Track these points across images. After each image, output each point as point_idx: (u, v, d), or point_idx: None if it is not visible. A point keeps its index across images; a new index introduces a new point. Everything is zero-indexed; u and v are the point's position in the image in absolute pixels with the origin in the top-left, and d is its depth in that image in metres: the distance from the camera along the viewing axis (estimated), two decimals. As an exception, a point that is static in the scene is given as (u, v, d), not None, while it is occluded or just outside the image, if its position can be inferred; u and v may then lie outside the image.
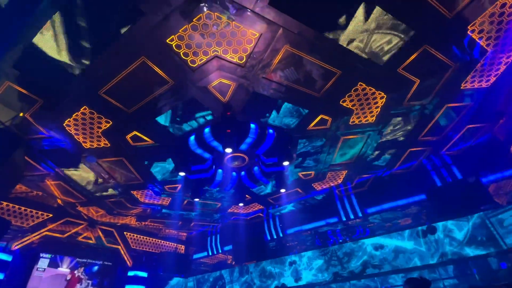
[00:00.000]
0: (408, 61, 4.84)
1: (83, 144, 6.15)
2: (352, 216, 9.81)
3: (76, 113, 5.33)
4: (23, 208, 8.83)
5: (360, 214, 9.67)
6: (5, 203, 8.38)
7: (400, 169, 8.80)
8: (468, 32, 4.53)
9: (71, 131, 5.74)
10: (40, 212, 9.27)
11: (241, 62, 4.61)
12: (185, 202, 9.73)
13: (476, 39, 4.68)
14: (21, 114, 5.16)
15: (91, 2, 3.57)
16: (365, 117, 6.16)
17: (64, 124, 5.55)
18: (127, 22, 3.82)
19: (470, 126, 7.06)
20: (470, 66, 5.22)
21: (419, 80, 5.29)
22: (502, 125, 7.01)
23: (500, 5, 4.17)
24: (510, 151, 7.38)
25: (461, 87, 5.72)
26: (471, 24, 4.41)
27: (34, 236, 9.52)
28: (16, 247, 9.29)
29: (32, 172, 7.12)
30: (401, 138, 7.13)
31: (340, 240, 11.37)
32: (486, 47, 4.85)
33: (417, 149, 7.77)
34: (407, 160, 8.29)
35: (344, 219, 9.97)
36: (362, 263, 10.71)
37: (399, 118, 6.37)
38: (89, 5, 3.59)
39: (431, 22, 4.23)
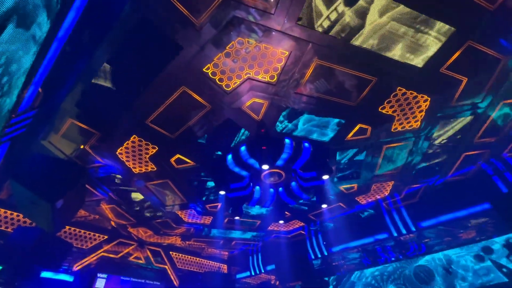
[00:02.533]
0: (452, 59, 4.52)
1: (133, 169, 6.71)
2: (404, 231, 8.99)
3: (127, 141, 5.88)
4: (82, 231, 9.75)
5: (413, 229, 8.82)
6: (67, 227, 9.35)
7: (455, 176, 7.96)
8: (518, 21, 4.13)
9: (123, 158, 6.32)
10: (97, 234, 10.12)
11: (272, 80, 4.74)
12: (226, 220, 9.87)
13: (529, 28, 4.23)
14: (81, 146, 5.85)
15: (136, 49, 4.03)
16: (409, 122, 5.79)
17: (117, 153, 6.15)
18: (168, 57, 4.22)
19: (536, 122, 6.21)
20: (526, 56, 4.69)
21: (466, 78, 4.88)
22: None
23: (555, -13, 3.76)
24: None
25: (518, 81, 5.13)
26: (520, 12, 4.02)
27: (92, 257, 10.35)
28: (77, 268, 10.15)
29: (90, 197, 7.90)
30: (454, 142, 6.52)
31: (393, 258, 10.41)
32: (541, 35, 4.35)
33: (473, 152, 7.01)
34: (463, 165, 7.49)
35: (395, 234, 9.17)
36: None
37: (448, 120, 5.86)
38: (134, 51, 4.06)
39: (472, 17, 3.96)
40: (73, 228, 9.56)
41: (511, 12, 3.95)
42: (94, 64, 4.25)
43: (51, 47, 3.68)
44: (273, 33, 4.00)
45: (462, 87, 5.03)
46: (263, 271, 12.45)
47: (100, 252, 10.48)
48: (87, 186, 7.35)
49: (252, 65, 4.46)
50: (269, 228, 10.98)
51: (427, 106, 5.43)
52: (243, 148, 6.21)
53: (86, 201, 8.02)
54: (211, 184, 7.60)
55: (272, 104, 5.19)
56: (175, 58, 4.19)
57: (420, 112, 5.56)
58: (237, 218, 8.65)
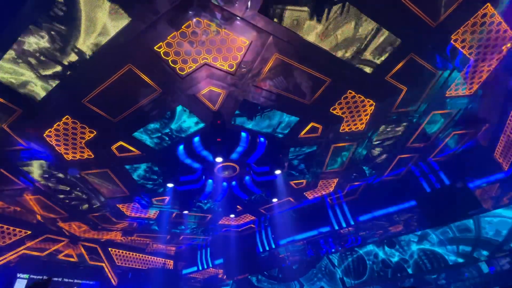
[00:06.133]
0: (396, 69, 4.93)
1: (65, 156, 5.85)
2: (344, 225, 9.75)
3: (58, 123, 5.07)
4: (-2, 225, 8.26)
5: (352, 222, 9.63)
6: (-22, 220, 7.82)
7: (389, 176, 8.88)
8: (451, 41, 4.68)
9: (52, 142, 5.45)
10: (18, 229, 8.70)
11: (231, 70, 4.56)
12: (174, 215, 9.41)
13: (459, 48, 4.84)
14: (-3, 125, 4.86)
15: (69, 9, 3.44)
16: (355, 124, 6.20)
17: (44, 135, 5.27)
18: (113, 27, 3.70)
19: (456, 132, 7.25)
20: (453, 74, 5.37)
21: (406, 88, 5.39)
22: (485, 131, 7.23)
23: (481, 15, 4.34)
24: (494, 157, 7.60)
25: (446, 95, 5.88)
26: (454, 34, 4.57)
27: (11, 255, 8.87)
28: (-9, 268, 8.60)
29: (9, 186, 6.69)
30: (390, 145, 7.21)
31: (333, 250, 11.24)
32: (468, 56, 5.02)
33: (405, 156, 7.88)
34: (396, 167, 8.39)
35: (336, 227, 9.89)
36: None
37: (388, 125, 6.45)
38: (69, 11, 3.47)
39: (416, 31, 4.35)
40: (-14, 222, 8.02)
41: (449, 31, 4.45)
42: (21, 22, 3.50)
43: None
44: (237, 20, 3.81)
45: (402, 95, 5.55)
46: (211, 266, 12.29)
47: (22, 249, 9.03)
48: (4, 172, 6.20)
49: (210, 50, 4.20)
50: (220, 222, 10.83)
51: (372, 110, 5.86)
52: (196, 139, 5.92)
53: (3, 190, 6.79)
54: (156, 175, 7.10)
55: (230, 95, 5.01)
56: (121, 29, 3.69)
57: (365, 115, 5.99)
58: (185, 212, 8.28)
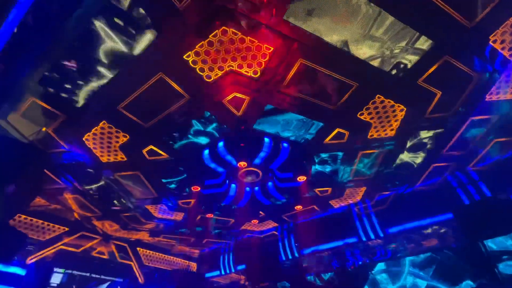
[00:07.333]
0: (428, 72, 4.68)
1: (101, 158, 6.28)
2: (372, 236, 9.26)
3: (95, 127, 5.48)
4: (40, 221, 9.00)
5: (381, 234, 9.12)
6: (23, 216, 8.58)
7: (423, 186, 8.33)
8: (490, 42, 4.36)
9: (89, 145, 5.89)
10: (57, 226, 9.41)
11: (255, 76, 4.63)
12: (198, 217, 9.61)
13: (499, 49, 4.48)
14: (43, 129, 5.36)
15: (112, 24, 3.74)
16: (384, 130, 5.95)
17: (83, 139, 5.72)
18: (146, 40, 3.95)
19: (497, 140, 6.65)
20: (493, 77, 4.98)
21: (441, 92, 5.08)
22: (533, 139, 6.55)
23: (524, 13, 4.01)
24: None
25: (486, 99, 5.44)
26: (493, 34, 4.25)
27: (49, 250, 9.60)
28: (31, 261, 9.36)
29: (51, 185, 7.30)
30: (424, 153, 6.80)
31: (360, 262, 10.72)
32: (509, 57, 4.63)
33: (440, 164, 7.37)
34: (430, 176, 7.86)
35: (364, 239, 9.43)
36: None
37: (421, 132, 6.10)
38: (112, 25, 3.77)
39: (450, 32, 4.11)
40: (29, 218, 8.79)
41: (487, 32, 4.16)
42: (63, 39, 3.89)
43: (10, 15, 3.30)
44: (259, 26, 3.89)
45: (436, 100, 5.24)
46: (233, 271, 12.29)
47: (59, 245, 9.74)
48: (48, 172, 6.79)
49: (235, 58, 4.31)
50: (242, 227, 10.86)
51: (403, 116, 5.59)
52: (221, 143, 6.05)
53: (46, 189, 7.42)
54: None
55: (254, 100, 5.08)
56: (153, 41, 3.93)
57: (396, 121, 5.73)
58: (209, 215, 8.43)
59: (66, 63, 4.21)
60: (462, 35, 4.13)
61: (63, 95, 4.74)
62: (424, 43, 4.23)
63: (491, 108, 5.68)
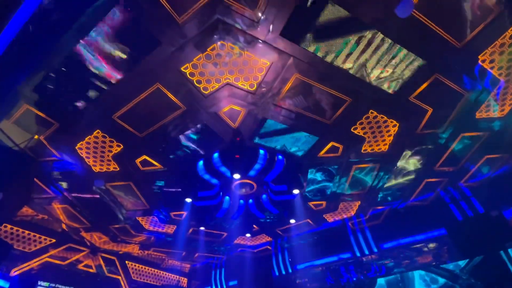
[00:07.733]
0: (420, 89, 4.82)
1: (93, 168, 6.18)
2: (367, 252, 9.17)
3: (89, 136, 5.43)
4: (26, 232, 8.69)
5: (375, 250, 9.04)
6: (9, 226, 8.28)
7: (416, 201, 8.37)
8: (479, 62, 4.53)
9: (82, 154, 5.80)
10: (43, 237, 9.09)
11: (251, 89, 4.70)
12: (190, 230, 9.41)
13: (488, 68, 4.66)
14: (35, 137, 5.29)
15: (115, 34, 3.79)
16: (378, 145, 6.02)
17: (76, 147, 5.64)
18: (145, 51, 4.01)
19: (488, 156, 6.78)
20: (483, 95, 5.14)
21: (432, 109, 5.21)
22: (523, 156, 6.70)
23: (509, 35, 4.20)
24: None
25: (476, 116, 5.59)
26: (482, 54, 4.43)
27: (35, 262, 9.22)
28: (15, 273, 8.96)
29: (40, 194, 7.12)
30: (416, 168, 6.87)
31: (354, 279, 10.53)
32: (498, 76, 4.81)
33: (433, 180, 7.44)
34: (423, 191, 7.91)
35: (358, 254, 9.32)
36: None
37: (413, 147, 6.19)
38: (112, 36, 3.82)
39: (440, 51, 4.27)
40: (16, 228, 8.48)
41: (476, 51, 4.33)
42: (60, 48, 3.91)
43: (10, 22, 3.32)
44: (256, 42, 3.99)
45: (428, 116, 5.36)
46: (225, 287, 11.94)
47: (45, 257, 9.37)
48: (37, 181, 6.63)
49: (232, 71, 4.39)
50: (235, 241, 10.65)
51: (395, 131, 5.69)
52: (215, 155, 6.02)
53: (34, 198, 7.22)
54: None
55: (250, 113, 5.13)
56: (152, 52, 3.99)
57: (389, 136, 5.82)
58: (202, 228, 8.27)
59: (63, 70, 4.22)
60: (453, 54, 4.30)
61: (58, 103, 4.71)
62: (415, 61, 4.38)
63: (481, 125, 5.83)
